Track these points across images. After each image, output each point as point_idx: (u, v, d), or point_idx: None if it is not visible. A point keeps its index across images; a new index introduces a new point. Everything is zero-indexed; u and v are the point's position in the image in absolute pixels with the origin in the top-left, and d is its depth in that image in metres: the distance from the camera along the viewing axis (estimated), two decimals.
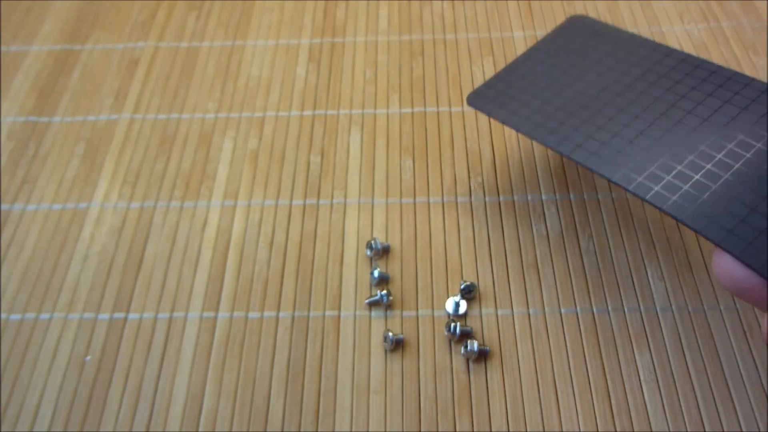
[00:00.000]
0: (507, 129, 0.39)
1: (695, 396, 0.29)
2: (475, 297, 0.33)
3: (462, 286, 0.32)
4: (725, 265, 0.25)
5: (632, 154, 0.28)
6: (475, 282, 0.33)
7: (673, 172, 0.27)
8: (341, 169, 0.38)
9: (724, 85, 0.30)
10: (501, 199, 0.36)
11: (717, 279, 0.26)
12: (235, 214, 0.37)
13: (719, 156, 0.27)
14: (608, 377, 0.30)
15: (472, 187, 0.37)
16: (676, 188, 0.27)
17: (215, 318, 0.33)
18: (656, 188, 0.27)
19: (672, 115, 0.29)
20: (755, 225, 0.25)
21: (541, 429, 0.29)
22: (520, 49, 0.44)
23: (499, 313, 0.32)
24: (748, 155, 0.27)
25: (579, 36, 0.34)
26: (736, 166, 0.27)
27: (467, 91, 0.41)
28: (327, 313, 0.33)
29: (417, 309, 0.33)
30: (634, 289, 0.33)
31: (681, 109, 0.29)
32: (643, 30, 0.44)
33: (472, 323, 0.32)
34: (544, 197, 0.36)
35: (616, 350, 0.31)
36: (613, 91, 0.31)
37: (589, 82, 0.32)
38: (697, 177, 0.27)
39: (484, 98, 0.32)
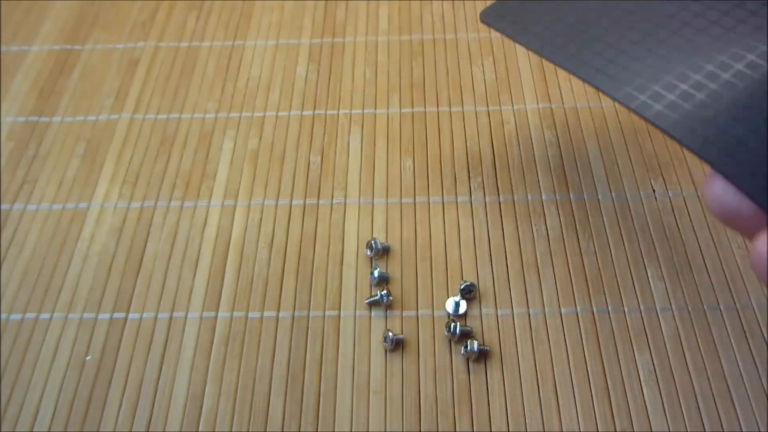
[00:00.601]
0: (507, 129, 0.39)
1: (695, 396, 0.29)
2: (475, 297, 0.33)
3: (462, 286, 0.32)
4: (717, 190, 0.23)
5: (639, 72, 0.26)
6: (475, 282, 0.33)
7: (678, 90, 0.25)
8: (341, 169, 0.38)
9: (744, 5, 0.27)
10: (501, 199, 0.36)
11: (706, 204, 0.24)
12: (235, 214, 0.37)
13: (726, 74, 0.25)
14: (608, 377, 0.30)
15: (472, 187, 0.37)
16: (677, 106, 0.25)
17: (215, 318, 0.33)
18: (659, 107, 0.25)
19: (684, 33, 0.27)
20: (754, 149, 0.23)
21: (541, 429, 0.29)
22: (521, 49, 0.44)
23: (499, 313, 0.32)
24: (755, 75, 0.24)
25: None
26: (740, 84, 0.25)
27: (467, 91, 0.42)
28: (327, 313, 0.33)
29: (417, 309, 0.33)
30: (634, 289, 0.33)
31: (694, 27, 0.27)
32: None
33: (472, 323, 0.32)
34: (544, 197, 0.36)
35: (616, 350, 0.31)
36: (627, 9, 0.28)
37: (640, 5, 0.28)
38: (700, 95, 0.25)
39: (497, 14, 0.30)
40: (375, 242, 0.34)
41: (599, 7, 0.29)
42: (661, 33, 0.28)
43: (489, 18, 0.31)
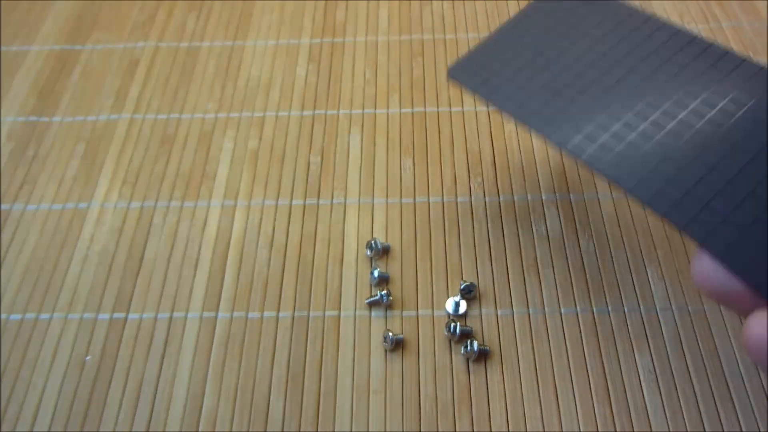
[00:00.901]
0: (507, 129, 0.39)
1: (695, 396, 0.29)
2: (474, 297, 0.33)
3: (462, 286, 0.32)
4: (705, 268, 0.22)
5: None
6: (475, 282, 0.33)
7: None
8: (341, 169, 0.38)
9: (716, 64, 0.28)
10: (501, 199, 0.36)
11: (694, 282, 0.24)
12: (235, 214, 0.37)
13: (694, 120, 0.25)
14: (608, 377, 0.30)
15: (472, 187, 0.37)
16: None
17: (215, 318, 0.33)
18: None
19: (652, 94, 0.27)
20: (738, 223, 0.23)
21: (541, 429, 0.29)
22: None
23: (499, 313, 0.32)
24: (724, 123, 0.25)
25: (567, 2, 0.31)
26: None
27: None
28: (327, 313, 0.33)
29: (417, 309, 0.33)
30: (634, 289, 0.33)
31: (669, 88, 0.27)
32: None
33: (472, 323, 0.32)
34: (544, 197, 0.36)
35: (616, 350, 0.31)
36: (600, 68, 0.29)
37: (575, 57, 0.29)
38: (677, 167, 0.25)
39: (467, 71, 0.30)
40: (375, 242, 0.34)
41: (570, 65, 0.29)
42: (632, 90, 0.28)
43: (459, 75, 0.30)
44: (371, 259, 0.34)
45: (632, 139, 0.26)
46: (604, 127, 0.26)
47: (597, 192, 0.36)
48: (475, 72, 0.30)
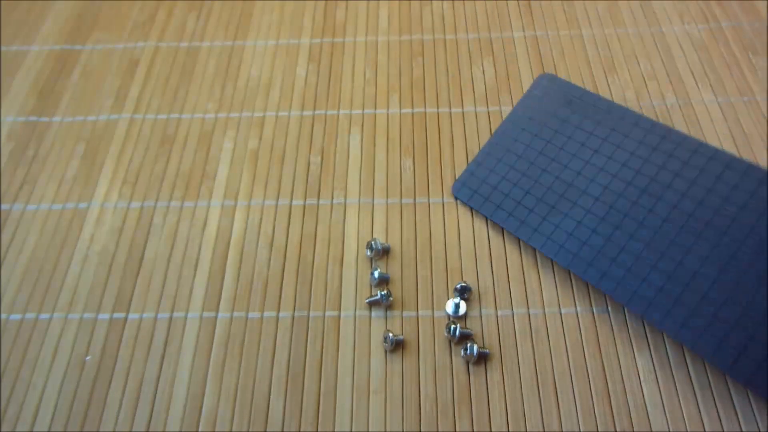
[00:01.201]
0: None
1: (695, 396, 0.29)
2: (470, 298, 0.33)
3: (457, 286, 0.32)
4: None
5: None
6: (475, 283, 0.33)
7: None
8: (341, 169, 0.38)
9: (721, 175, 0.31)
10: None
11: None
12: (235, 214, 0.37)
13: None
14: (608, 377, 0.30)
15: None
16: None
17: (215, 318, 0.33)
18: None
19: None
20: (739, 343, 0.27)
21: (541, 429, 0.29)
22: (521, 49, 0.44)
23: (499, 313, 0.32)
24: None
25: (551, 103, 0.35)
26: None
27: (467, 91, 0.41)
28: (327, 313, 0.33)
29: (417, 310, 0.33)
30: None
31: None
32: (644, 30, 0.44)
33: (472, 324, 0.32)
34: None
35: (616, 350, 0.31)
36: (587, 176, 0.32)
37: (564, 164, 0.33)
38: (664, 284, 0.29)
39: (468, 188, 0.34)
40: (375, 243, 0.34)
41: (560, 174, 0.33)
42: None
43: (461, 193, 0.34)
44: (371, 259, 0.34)
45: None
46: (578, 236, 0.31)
47: None
48: (476, 189, 0.33)
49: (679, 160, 0.31)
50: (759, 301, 0.27)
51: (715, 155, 0.31)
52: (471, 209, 0.36)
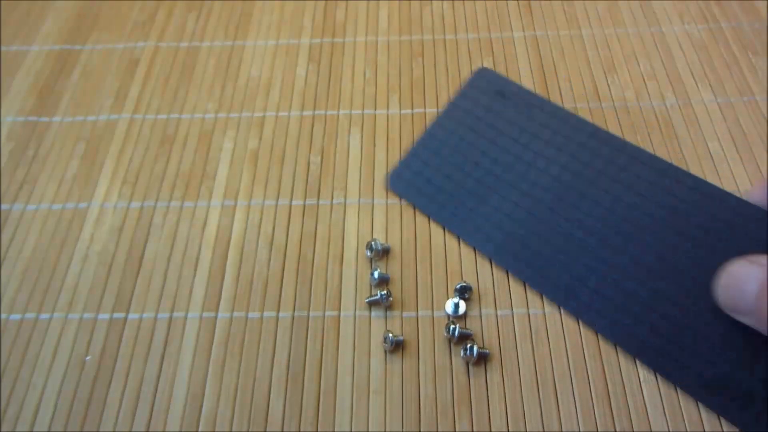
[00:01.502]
0: None
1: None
2: (470, 298, 0.33)
3: (457, 286, 0.32)
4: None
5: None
6: (475, 282, 0.33)
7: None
8: (341, 169, 0.38)
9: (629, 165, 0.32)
10: None
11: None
12: (235, 214, 0.37)
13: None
14: (608, 377, 0.30)
15: None
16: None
17: (215, 318, 0.33)
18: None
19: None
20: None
21: (540, 429, 0.29)
22: (520, 48, 0.44)
23: (499, 313, 0.32)
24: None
25: (485, 97, 0.35)
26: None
27: None
28: (327, 313, 0.33)
29: (417, 310, 0.33)
30: None
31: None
32: (643, 30, 0.44)
33: (472, 324, 0.32)
34: None
35: (616, 350, 0.31)
36: (518, 170, 0.33)
37: (495, 157, 0.33)
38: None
39: (405, 181, 0.33)
40: (375, 243, 0.34)
41: (491, 167, 0.33)
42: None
43: (398, 187, 0.33)
44: (371, 259, 0.34)
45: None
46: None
47: None
48: (411, 181, 0.33)
49: (606, 158, 0.32)
50: (668, 291, 0.28)
51: (637, 154, 0.32)
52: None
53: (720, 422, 0.28)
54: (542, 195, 0.32)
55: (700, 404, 0.29)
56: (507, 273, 0.33)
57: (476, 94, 0.36)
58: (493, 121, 0.34)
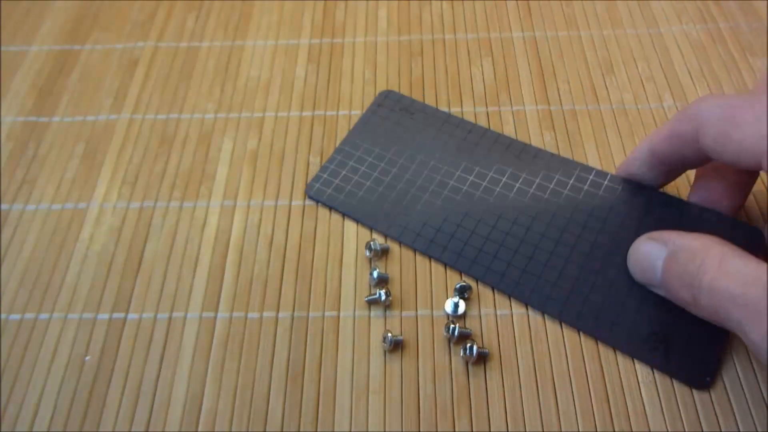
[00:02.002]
0: (506, 129, 0.40)
1: (693, 397, 0.29)
2: (470, 297, 0.33)
3: (457, 286, 0.32)
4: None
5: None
6: (475, 282, 0.33)
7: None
8: None
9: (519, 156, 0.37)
10: None
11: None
12: (234, 215, 0.37)
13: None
14: (606, 378, 0.30)
15: None
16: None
17: (215, 318, 0.33)
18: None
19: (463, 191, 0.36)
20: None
21: (540, 429, 0.29)
22: (520, 50, 0.44)
23: (498, 313, 0.32)
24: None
25: (394, 115, 0.40)
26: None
27: (467, 91, 0.42)
28: (326, 313, 0.33)
29: (416, 309, 0.33)
30: None
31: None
32: (641, 31, 0.44)
33: (471, 323, 0.32)
34: None
35: (614, 351, 0.31)
36: (428, 178, 0.36)
37: (402, 164, 0.37)
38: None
39: (323, 188, 0.37)
40: (374, 243, 0.34)
41: (400, 174, 0.37)
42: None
43: (315, 194, 0.36)
44: (370, 259, 0.34)
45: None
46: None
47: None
48: (328, 188, 0.36)
49: (511, 164, 0.37)
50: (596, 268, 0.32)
51: (538, 154, 0.37)
52: None
53: (719, 424, 0.29)
54: (456, 196, 0.35)
55: (698, 404, 0.29)
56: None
57: (383, 113, 0.40)
58: (403, 134, 0.38)
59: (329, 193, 0.36)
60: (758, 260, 0.25)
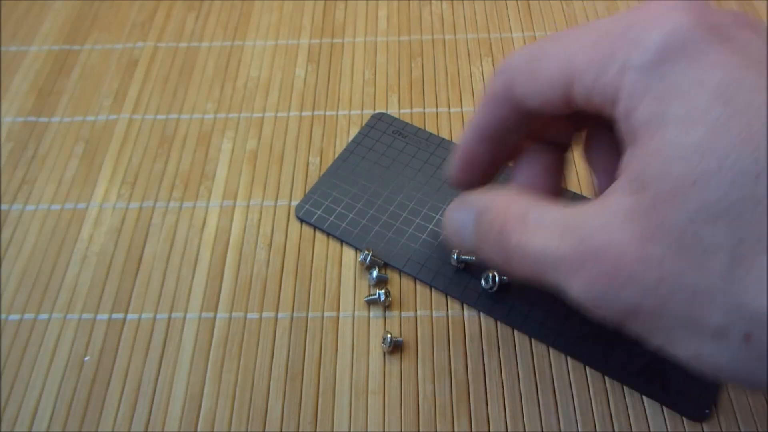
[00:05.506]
0: None
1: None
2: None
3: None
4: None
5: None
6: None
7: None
8: None
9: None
10: None
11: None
12: (234, 215, 0.37)
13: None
14: (605, 377, 0.30)
15: None
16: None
17: (214, 318, 0.33)
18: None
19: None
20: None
21: (539, 429, 0.29)
22: None
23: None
24: None
25: (386, 137, 0.39)
26: None
27: (467, 91, 0.42)
28: (326, 314, 0.33)
29: (416, 310, 0.33)
30: None
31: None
32: None
33: (469, 322, 0.32)
34: None
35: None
36: (413, 197, 0.36)
37: (393, 187, 0.36)
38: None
39: (311, 209, 0.36)
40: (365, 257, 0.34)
41: (390, 195, 0.36)
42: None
43: (304, 215, 0.36)
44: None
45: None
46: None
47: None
48: (319, 210, 0.36)
49: None
50: None
51: None
52: None
53: (719, 423, 0.28)
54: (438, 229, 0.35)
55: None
56: None
57: (376, 134, 0.39)
58: (397, 157, 0.38)
59: (319, 214, 0.36)
60: (563, 206, 0.22)
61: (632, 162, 0.20)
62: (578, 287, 0.20)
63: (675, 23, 0.20)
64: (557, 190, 0.28)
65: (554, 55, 0.23)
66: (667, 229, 0.18)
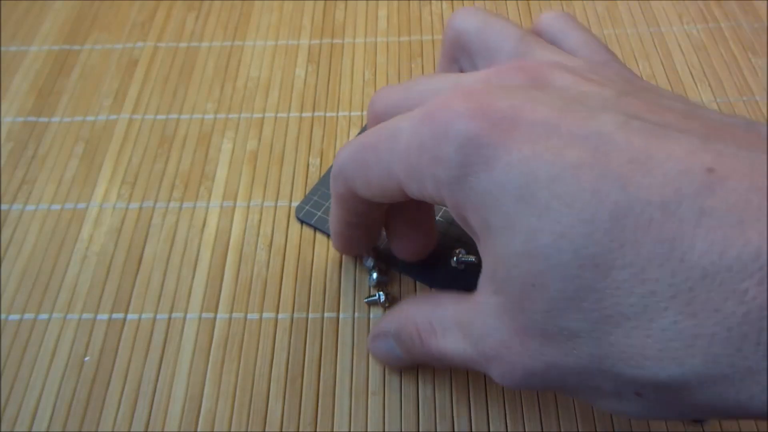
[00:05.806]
0: None
1: None
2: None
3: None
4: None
5: None
6: None
7: None
8: None
9: None
10: None
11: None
12: (234, 215, 0.37)
13: None
14: None
15: None
16: None
17: (214, 319, 0.33)
18: None
19: None
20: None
21: (539, 429, 0.29)
22: None
23: None
24: None
25: None
26: None
27: None
28: (326, 315, 0.33)
29: None
30: None
31: None
32: (643, 31, 0.44)
33: None
34: None
35: None
36: None
37: None
38: None
39: (310, 210, 0.36)
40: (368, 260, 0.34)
41: None
42: None
43: (304, 216, 0.36)
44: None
45: None
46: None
47: None
48: (316, 212, 0.36)
49: None
50: None
51: None
52: None
53: (719, 422, 0.28)
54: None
55: None
56: None
57: None
58: None
59: (319, 216, 0.35)
60: (454, 301, 0.24)
61: (485, 261, 0.21)
62: (498, 378, 0.22)
63: (462, 135, 0.20)
64: (429, 238, 0.31)
65: (376, 165, 0.24)
66: (531, 324, 0.20)
